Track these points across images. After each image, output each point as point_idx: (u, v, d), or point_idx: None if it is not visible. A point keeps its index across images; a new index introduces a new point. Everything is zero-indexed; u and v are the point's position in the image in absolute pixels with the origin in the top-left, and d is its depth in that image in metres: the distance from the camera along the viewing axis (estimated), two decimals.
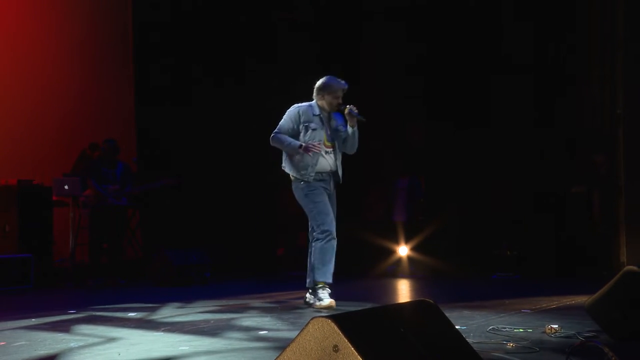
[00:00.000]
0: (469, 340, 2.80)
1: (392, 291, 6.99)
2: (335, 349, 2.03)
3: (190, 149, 9.05)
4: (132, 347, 3.66)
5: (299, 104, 5.26)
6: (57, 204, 7.86)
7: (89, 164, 7.92)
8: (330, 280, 5.07)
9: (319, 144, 5.08)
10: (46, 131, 8.65)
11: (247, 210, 9.12)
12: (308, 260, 5.18)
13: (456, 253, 8.04)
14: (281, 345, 3.43)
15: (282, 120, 5.21)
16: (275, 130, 5.18)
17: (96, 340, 3.90)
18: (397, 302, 5.78)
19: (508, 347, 3.47)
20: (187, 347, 3.63)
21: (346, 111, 5.10)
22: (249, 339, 3.90)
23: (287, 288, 6.83)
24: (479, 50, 8.30)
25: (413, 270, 8.26)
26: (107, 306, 5.44)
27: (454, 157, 8.37)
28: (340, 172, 5.24)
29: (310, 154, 5.05)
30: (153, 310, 5.17)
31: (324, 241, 5.04)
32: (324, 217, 5.05)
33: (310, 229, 5.22)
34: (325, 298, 5.00)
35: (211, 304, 5.51)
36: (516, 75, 8.06)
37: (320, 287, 5.04)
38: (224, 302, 5.65)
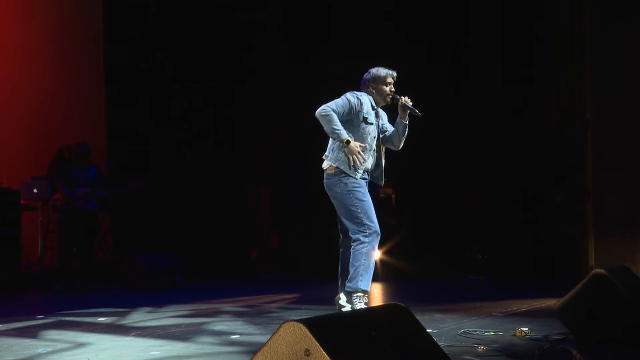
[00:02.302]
0: (440, 343, 2.82)
1: None
2: (307, 353, 2.03)
3: (161, 150, 8.99)
4: (102, 353, 3.62)
5: (359, 92, 4.66)
6: (25, 208, 7.75)
7: (59, 167, 7.82)
8: (369, 289, 4.64)
9: (364, 151, 4.57)
10: (14, 133, 8.52)
11: (219, 213, 9.08)
12: (342, 263, 4.74)
13: (428, 257, 8.09)
14: (253, 350, 3.41)
15: (342, 101, 4.56)
16: (331, 107, 4.50)
17: (65, 345, 3.85)
18: (369, 306, 5.79)
19: (479, 350, 3.50)
20: (158, 352, 3.60)
21: (401, 102, 4.63)
22: (221, 344, 3.88)
23: (259, 292, 6.82)
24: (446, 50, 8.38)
25: (385, 274, 8.29)
26: (76, 311, 5.37)
27: (425, 160, 8.42)
28: (382, 173, 4.77)
29: (351, 157, 4.48)
30: (123, 314, 5.12)
31: (370, 245, 4.57)
32: (372, 216, 4.56)
33: (341, 229, 4.74)
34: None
35: (182, 308, 5.47)
36: (486, 79, 8.14)
37: (360, 295, 4.58)
38: (195, 306, 5.62)
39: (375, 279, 8.09)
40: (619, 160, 6.70)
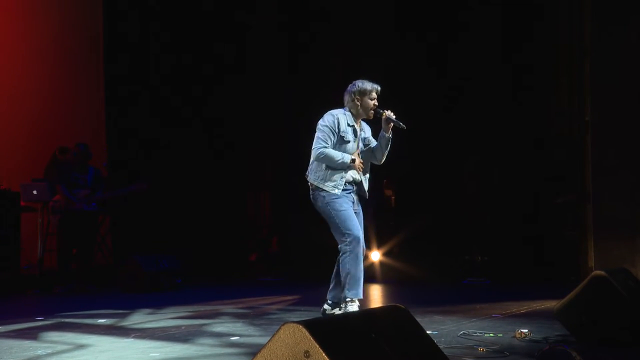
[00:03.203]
0: (440, 345, 2.82)
1: (364, 297, 6.98)
2: (307, 354, 2.03)
3: (161, 153, 8.99)
4: (101, 354, 3.62)
5: (334, 111, 4.82)
6: (25, 210, 7.75)
7: (59, 169, 7.81)
8: (361, 297, 4.70)
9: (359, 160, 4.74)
10: (14, 135, 8.52)
11: (219, 215, 9.08)
12: (336, 267, 4.80)
13: (427, 259, 8.09)
14: (253, 351, 3.41)
15: (322, 132, 4.74)
16: (321, 145, 4.71)
17: (65, 347, 3.85)
18: (368, 307, 5.80)
19: (479, 351, 3.50)
20: (158, 354, 3.60)
21: (384, 116, 4.73)
22: (221, 345, 3.88)
23: (259, 294, 6.82)
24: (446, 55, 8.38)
25: (385, 275, 8.29)
26: (76, 313, 5.37)
27: (425, 162, 8.42)
28: (366, 185, 4.86)
29: (359, 169, 4.71)
30: (123, 316, 5.12)
31: (353, 252, 4.63)
32: (349, 224, 4.66)
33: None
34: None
35: (182, 310, 5.47)
36: (486, 81, 8.15)
37: (353, 303, 4.61)
38: (195, 308, 5.62)
39: (374, 280, 8.15)
40: (619, 163, 6.70)
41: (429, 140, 8.36)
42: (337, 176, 4.73)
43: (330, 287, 4.82)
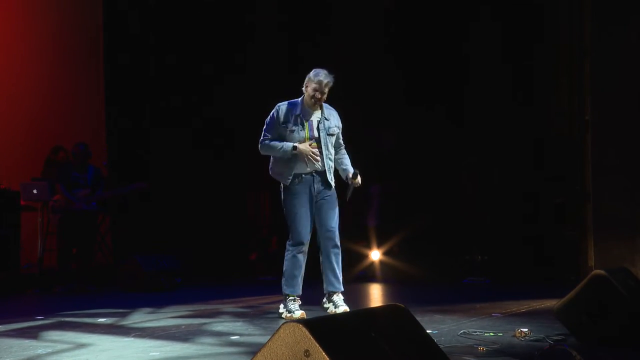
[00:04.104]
0: (440, 344, 2.82)
1: (364, 296, 7.00)
2: (307, 353, 2.04)
3: (161, 153, 8.99)
4: (102, 353, 3.63)
5: (281, 103, 4.90)
6: (25, 209, 7.75)
7: (59, 168, 7.82)
8: (300, 293, 4.91)
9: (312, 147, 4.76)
10: (14, 134, 8.52)
11: (219, 215, 9.08)
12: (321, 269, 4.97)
13: (427, 258, 8.09)
14: (253, 350, 3.42)
15: (266, 126, 4.90)
16: (262, 138, 4.89)
17: (65, 346, 3.85)
18: (368, 306, 5.80)
19: (479, 351, 3.50)
20: (158, 353, 3.60)
21: (351, 183, 4.88)
22: (221, 344, 3.88)
23: (259, 293, 6.82)
24: (446, 56, 8.38)
25: (385, 274, 8.29)
26: (76, 312, 5.37)
27: (425, 161, 8.42)
28: (329, 174, 4.85)
29: (307, 157, 4.73)
30: (123, 315, 5.12)
31: (291, 253, 4.84)
32: (296, 227, 4.79)
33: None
34: (296, 310, 4.83)
35: (182, 309, 5.48)
36: (486, 81, 8.15)
37: (291, 299, 4.87)
38: (195, 307, 5.62)
39: (374, 279, 8.16)
40: (619, 163, 6.71)
41: (429, 140, 8.36)
42: (284, 168, 4.85)
43: (323, 280, 4.99)
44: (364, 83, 8.72)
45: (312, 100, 4.80)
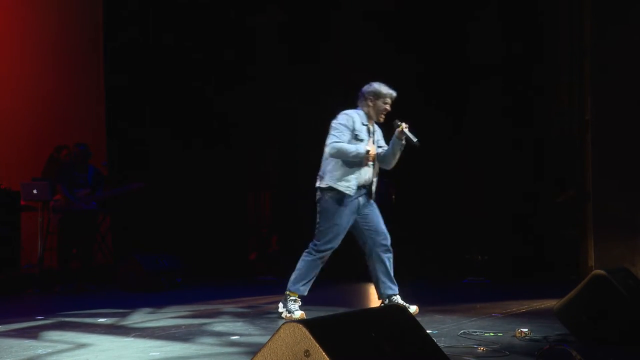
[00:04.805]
0: (440, 344, 2.82)
1: (364, 296, 7.00)
2: (307, 354, 2.04)
3: (161, 152, 8.99)
4: (102, 353, 3.63)
5: (348, 111, 4.90)
6: (25, 209, 7.75)
7: (59, 168, 7.82)
8: (305, 294, 4.90)
9: (361, 164, 4.78)
10: (14, 134, 8.52)
11: (219, 214, 9.08)
12: (371, 273, 4.99)
13: (427, 258, 8.09)
14: (253, 351, 3.42)
15: (337, 130, 4.79)
16: (334, 140, 4.76)
17: (65, 346, 3.86)
18: (368, 307, 5.80)
19: (479, 350, 3.50)
20: (158, 353, 3.61)
21: (400, 129, 4.75)
22: (221, 344, 3.88)
23: (259, 293, 6.82)
24: (449, 57, 8.38)
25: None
26: (76, 312, 5.38)
27: (425, 161, 8.42)
28: (374, 187, 4.93)
29: (369, 162, 4.78)
30: (123, 315, 5.12)
31: (314, 257, 4.83)
32: (333, 236, 4.79)
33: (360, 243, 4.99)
34: (296, 311, 4.81)
35: (183, 309, 5.48)
36: (486, 82, 8.15)
37: (292, 299, 4.85)
38: (195, 307, 5.62)
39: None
40: (619, 162, 6.71)
41: (428, 140, 8.34)
42: (352, 177, 4.78)
43: (378, 287, 4.95)
44: (364, 82, 8.71)
45: (381, 113, 4.88)
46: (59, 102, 8.94)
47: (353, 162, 4.77)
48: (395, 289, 4.94)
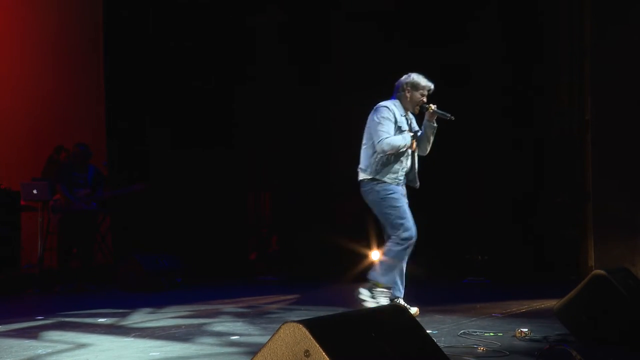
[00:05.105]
0: (440, 344, 2.82)
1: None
2: (307, 354, 2.04)
3: (161, 152, 8.99)
4: (102, 353, 3.63)
5: (384, 103, 4.92)
6: (25, 209, 7.75)
7: (59, 168, 7.82)
8: (392, 286, 4.86)
9: (402, 154, 4.85)
10: (14, 134, 8.52)
11: (219, 214, 9.08)
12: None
13: (427, 258, 8.08)
14: (253, 351, 3.42)
15: (383, 125, 4.81)
16: (385, 136, 4.77)
17: (65, 346, 3.86)
18: (368, 307, 5.80)
19: (479, 350, 3.50)
20: (158, 353, 3.61)
21: (431, 110, 4.82)
22: (221, 344, 3.88)
23: (259, 293, 6.82)
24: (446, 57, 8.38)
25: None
26: (76, 312, 5.38)
27: (425, 161, 8.42)
28: (417, 175, 5.00)
29: (410, 150, 4.85)
30: (123, 315, 5.12)
31: (402, 247, 4.79)
32: (406, 221, 4.79)
33: (385, 233, 4.97)
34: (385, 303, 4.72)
35: (183, 309, 5.48)
36: (486, 81, 8.15)
37: (381, 291, 4.79)
38: (195, 307, 5.62)
39: None
40: (619, 162, 6.71)
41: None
42: (397, 167, 4.84)
43: (374, 267, 4.96)
44: (364, 82, 8.72)
45: (417, 105, 4.91)
46: (59, 102, 8.94)
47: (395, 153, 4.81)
48: (402, 292, 4.93)
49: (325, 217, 8.80)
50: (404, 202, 4.86)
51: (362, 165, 4.93)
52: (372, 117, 4.90)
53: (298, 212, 8.97)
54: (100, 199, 7.74)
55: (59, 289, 7.21)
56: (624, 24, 6.73)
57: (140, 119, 9.01)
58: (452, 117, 4.80)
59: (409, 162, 4.93)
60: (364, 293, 4.80)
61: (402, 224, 4.78)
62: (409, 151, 4.91)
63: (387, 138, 4.76)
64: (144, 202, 8.42)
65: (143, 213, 8.53)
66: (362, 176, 4.92)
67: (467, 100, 8.30)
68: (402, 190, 4.93)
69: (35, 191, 7.48)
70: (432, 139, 4.96)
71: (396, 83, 5.00)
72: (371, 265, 8.39)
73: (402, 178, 4.89)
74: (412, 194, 8.58)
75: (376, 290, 4.78)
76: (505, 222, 8.09)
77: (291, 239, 9.14)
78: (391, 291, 4.84)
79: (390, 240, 4.84)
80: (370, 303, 4.73)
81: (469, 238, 8.22)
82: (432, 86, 4.94)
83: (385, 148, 4.76)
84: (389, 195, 4.82)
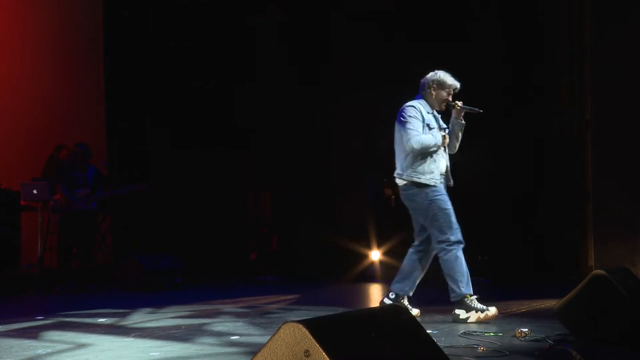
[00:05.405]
0: (440, 344, 2.82)
1: (364, 296, 7.01)
2: (307, 354, 2.04)
3: (161, 152, 8.99)
4: (102, 354, 3.63)
5: (411, 102, 4.82)
6: (25, 209, 7.75)
7: (59, 168, 7.82)
8: (472, 292, 4.67)
9: (436, 153, 4.74)
10: (14, 134, 8.52)
11: (219, 214, 9.08)
12: (404, 262, 4.91)
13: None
14: (253, 351, 3.41)
15: (411, 123, 4.69)
16: (414, 134, 4.66)
17: (65, 346, 3.85)
18: (368, 306, 5.80)
19: (479, 350, 3.50)
20: (158, 353, 3.60)
21: (457, 107, 4.76)
22: (221, 344, 3.88)
23: (259, 293, 6.82)
24: (446, 56, 8.37)
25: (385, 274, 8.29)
26: (76, 312, 5.38)
27: None
28: (450, 173, 4.88)
29: (443, 146, 4.74)
30: (123, 315, 5.12)
31: (455, 252, 4.64)
32: (453, 225, 4.67)
33: (416, 233, 4.89)
34: (487, 307, 4.57)
35: (183, 309, 5.48)
36: (485, 82, 8.14)
37: (473, 299, 4.61)
38: (195, 307, 5.62)
39: (374, 279, 8.15)
40: (619, 162, 6.71)
41: None
42: (433, 166, 4.73)
43: (396, 279, 4.88)
44: (363, 82, 8.72)
45: (442, 103, 4.83)
46: (59, 102, 8.94)
47: (427, 153, 4.71)
48: (412, 291, 4.90)
49: (325, 217, 8.80)
50: (451, 205, 4.73)
51: (398, 170, 4.81)
52: (399, 118, 4.78)
53: (298, 212, 8.96)
54: (100, 199, 7.74)
55: (59, 289, 7.21)
56: (624, 24, 6.73)
57: (140, 119, 9.01)
58: (481, 110, 4.74)
59: (443, 161, 4.80)
60: (460, 313, 4.60)
61: (451, 227, 4.66)
62: (441, 149, 4.80)
63: (417, 136, 4.65)
64: (144, 202, 8.42)
65: (143, 213, 8.53)
66: (401, 182, 4.80)
67: (467, 101, 8.30)
68: (443, 187, 4.78)
69: (35, 191, 7.48)
70: (460, 135, 4.88)
71: (422, 80, 4.89)
72: (370, 264, 8.45)
73: (438, 177, 4.75)
74: None
75: (468, 302, 4.60)
76: (505, 222, 8.08)
77: (291, 239, 9.14)
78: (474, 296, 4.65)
79: (441, 251, 4.68)
80: (473, 317, 4.55)
81: (468, 238, 8.20)
82: (458, 85, 4.86)
83: (415, 146, 4.65)
84: (437, 197, 4.68)
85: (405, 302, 4.90)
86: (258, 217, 9.99)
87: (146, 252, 7.44)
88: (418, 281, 4.91)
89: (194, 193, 8.93)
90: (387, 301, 4.88)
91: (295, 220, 9.01)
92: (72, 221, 7.43)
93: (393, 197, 9.19)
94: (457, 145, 4.95)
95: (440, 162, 4.79)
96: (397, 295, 4.88)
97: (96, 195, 7.65)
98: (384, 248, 8.50)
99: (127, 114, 9.00)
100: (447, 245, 4.66)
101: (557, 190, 7.88)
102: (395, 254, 8.38)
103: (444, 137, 4.74)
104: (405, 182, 4.77)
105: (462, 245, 4.71)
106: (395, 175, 4.86)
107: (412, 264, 4.89)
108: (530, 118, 8.05)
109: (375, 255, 8.53)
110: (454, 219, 4.71)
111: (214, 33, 9.25)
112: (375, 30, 8.61)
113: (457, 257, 4.65)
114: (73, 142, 7.83)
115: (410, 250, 4.93)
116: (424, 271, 4.93)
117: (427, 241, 4.86)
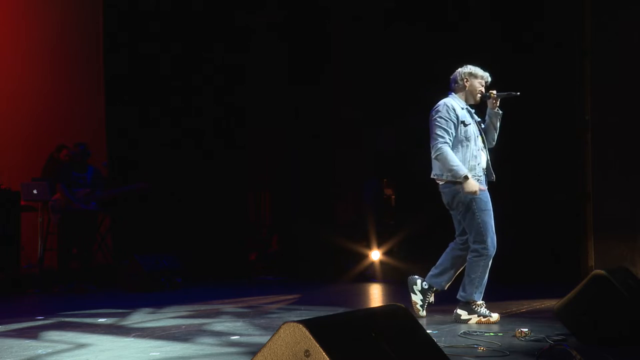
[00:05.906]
0: (440, 344, 2.82)
1: (364, 296, 7.01)
2: (307, 353, 2.04)
3: (161, 152, 8.98)
4: (102, 354, 3.63)
5: (444, 100, 4.65)
6: (25, 209, 7.75)
7: (59, 168, 7.82)
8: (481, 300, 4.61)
9: (477, 154, 4.61)
10: (14, 134, 8.53)
11: (219, 215, 9.08)
12: (444, 257, 4.83)
13: (428, 258, 8.07)
14: (253, 351, 3.42)
15: (441, 126, 4.54)
16: (440, 141, 4.51)
17: (65, 346, 3.85)
18: (368, 306, 5.80)
19: (479, 350, 3.50)
20: (158, 353, 3.61)
21: (493, 95, 4.65)
22: (221, 344, 3.88)
23: (259, 293, 6.82)
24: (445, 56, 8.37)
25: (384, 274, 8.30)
26: (76, 312, 5.38)
27: (425, 161, 8.41)
28: (490, 168, 4.75)
29: (470, 194, 4.52)
30: (123, 315, 5.12)
31: (488, 258, 4.58)
32: (490, 229, 4.60)
33: (457, 228, 4.78)
34: (491, 313, 4.56)
35: (183, 309, 5.48)
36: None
37: (476, 306, 4.57)
38: (195, 307, 5.62)
39: (374, 279, 8.16)
40: (619, 163, 6.71)
41: (428, 140, 8.34)
42: (474, 163, 4.62)
43: (433, 273, 4.81)
44: (363, 82, 8.73)
45: (477, 94, 4.71)
46: (59, 102, 8.94)
47: (466, 150, 4.59)
48: (445, 287, 4.81)
49: (325, 217, 8.80)
50: (491, 206, 4.62)
51: (436, 171, 4.68)
52: (430, 116, 4.64)
53: (298, 212, 8.96)
54: (99, 199, 7.74)
55: (59, 289, 7.21)
56: (625, 23, 6.73)
57: (140, 119, 9.01)
58: (518, 93, 4.63)
59: (483, 156, 4.68)
60: (462, 313, 4.58)
61: (489, 233, 4.58)
62: (481, 144, 4.68)
63: (443, 145, 4.50)
64: (143, 202, 8.42)
65: (143, 213, 8.53)
66: (441, 182, 4.67)
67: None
68: (483, 184, 4.64)
69: (35, 191, 7.48)
70: (498, 125, 4.74)
71: (451, 76, 4.78)
72: (371, 264, 8.45)
73: (480, 174, 4.63)
74: (414, 196, 8.62)
75: (473, 306, 4.56)
76: (504, 222, 8.07)
77: (291, 239, 9.14)
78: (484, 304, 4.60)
79: (474, 252, 4.59)
80: (474, 320, 4.54)
81: None
82: (489, 77, 4.75)
83: (437, 154, 4.53)
84: (478, 200, 4.55)
85: (432, 298, 4.82)
86: (258, 217, 9.99)
87: (146, 253, 7.44)
88: (454, 276, 4.83)
89: (194, 193, 8.93)
90: (417, 285, 4.78)
91: (295, 220, 9.02)
92: (72, 221, 7.43)
93: (393, 197, 9.20)
94: (496, 136, 4.81)
95: (481, 158, 4.67)
96: (430, 286, 4.79)
97: (96, 195, 7.65)
98: (384, 248, 8.50)
99: (126, 114, 9.00)
100: (482, 250, 4.59)
101: (557, 190, 7.88)
102: (395, 254, 8.39)
103: (466, 177, 4.47)
104: (443, 181, 4.64)
105: (491, 255, 4.63)
106: (432, 176, 4.73)
107: (452, 260, 4.80)
108: (530, 117, 8.04)
109: (375, 255, 8.53)
110: (492, 221, 4.62)
111: (213, 33, 9.25)
112: (376, 30, 8.61)
113: (486, 265, 4.60)
114: (73, 141, 7.83)
115: (452, 245, 4.82)
116: (462, 267, 4.82)
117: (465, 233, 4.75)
